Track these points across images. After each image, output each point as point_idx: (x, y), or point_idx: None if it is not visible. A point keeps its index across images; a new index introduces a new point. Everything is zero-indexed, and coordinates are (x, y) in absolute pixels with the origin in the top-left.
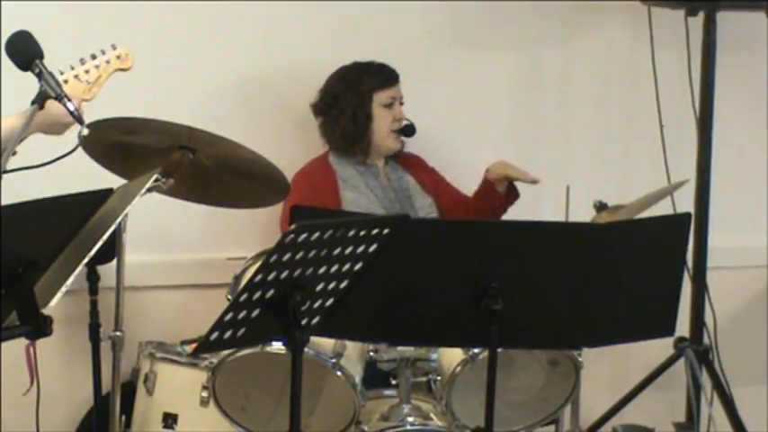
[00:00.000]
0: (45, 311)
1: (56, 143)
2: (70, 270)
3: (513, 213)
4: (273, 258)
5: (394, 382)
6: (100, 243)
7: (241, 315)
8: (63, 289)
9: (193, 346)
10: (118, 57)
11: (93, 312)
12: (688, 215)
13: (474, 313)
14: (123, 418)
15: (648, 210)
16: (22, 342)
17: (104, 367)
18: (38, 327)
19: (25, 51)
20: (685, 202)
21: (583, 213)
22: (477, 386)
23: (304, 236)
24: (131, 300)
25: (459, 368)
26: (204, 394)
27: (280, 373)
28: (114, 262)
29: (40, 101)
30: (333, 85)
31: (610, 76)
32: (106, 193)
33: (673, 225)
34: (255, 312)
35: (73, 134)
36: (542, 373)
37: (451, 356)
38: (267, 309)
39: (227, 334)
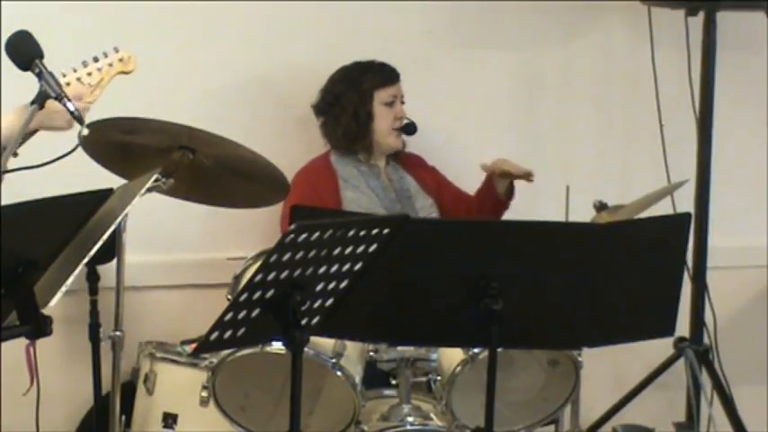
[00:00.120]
0: (45, 311)
1: (56, 143)
2: (70, 270)
3: (514, 213)
4: (273, 258)
5: (394, 382)
6: (100, 243)
7: (241, 315)
8: (63, 289)
9: (193, 346)
10: (120, 60)
11: (93, 312)
12: (688, 215)
13: (474, 313)
14: (123, 418)
15: (648, 210)
16: (22, 342)
17: (104, 367)
18: (38, 327)
19: (25, 51)
20: (685, 202)
21: (583, 213)
22: (477, 386)
23: (304, 236)
24: (131, 300)
25: (459, 368)
26: (204, 394)
27: (280, 373)
28: (114, 262)
29: (40, 101)
30: (334, 84)
31: (610, 76)
32: (106, 193)
33: (673, 225)
34: (255, 312)
35: (73, 134)
36: (542, 373)
37: (451, 356)
38: (267, 309)
39: (227, 334)
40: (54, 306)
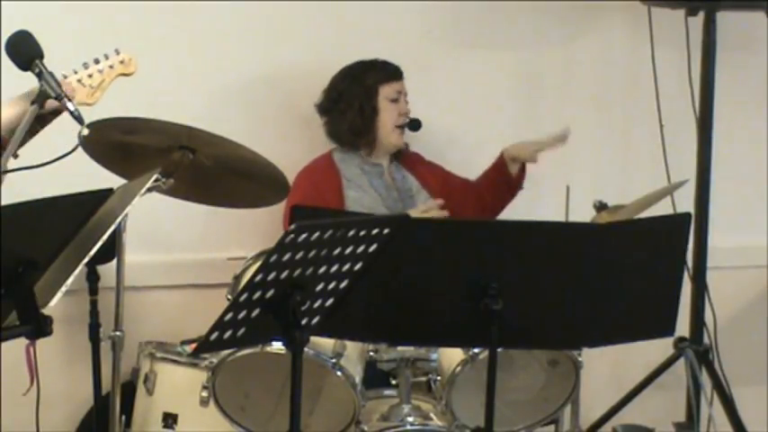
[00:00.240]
0: (45, 311)
1: (56, 143)
2: (70, 270)
3: (514, 213)
4: (273, 258)
5: (394, 382)
6: (100, 243)
7: (241, 315)
8: (63, 289)
9: (193, 346)
10: (121, 62)
11: (93, 312)
12: (688, 215)
13: (474, 313)
14: (123, 418)
15: (648, 210)
16: (22, 342)
17: (104, 367)
18: (38, 327)
19: (25, 51)
20: (685, 202)
21: (583, 213)
22: (478, 386)
23: (304, 236)
24: (131, 300)
25: (459, 368)
26: (204, 394)
27: (280, 373)
28: (114, 262)
29: (40, 101)
30: (337, 82)
31: (610, 76)
32: (106, 193)
33: (673, 225)
34: (255, 312)
35: (73, 134)
36: (542, 373)
37: (451, 356)
38: (267, 309)
39: (227, 334)
40: (54, 306)
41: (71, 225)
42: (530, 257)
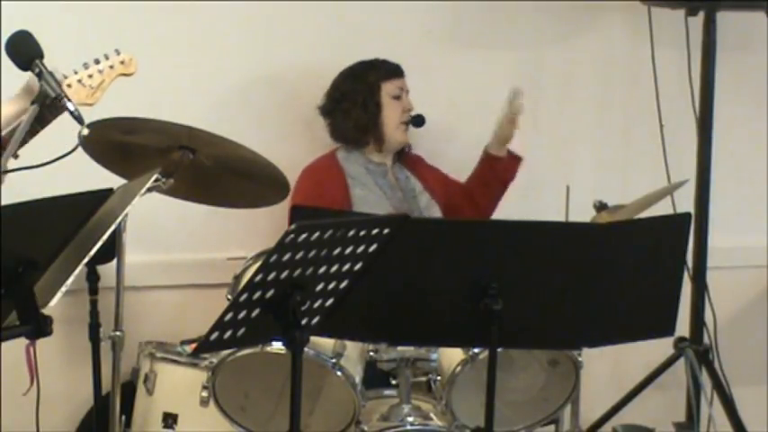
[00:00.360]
0: (45, 311)
1: (56, 143)
2: (70, 270)
3: (514, 213)
4: (273, 258)
5: (394, 382)
6: (100, 243)
7: (241, 315)
8: (63, 289)
9: (193, 346)
10: (121, 62)
11: (93, 312)
12: (688, 215)
13: (474, 313)
14: (123, 418)
15: (648, 210)
16: (22, 342)
17: (104, 367)
18: (38, 327)
19: (25, 51)
20: (685, 202)
21: (583, 213)
22: (478, 386)
23: (304, 236)
24: (131, 300)
25: (459, 368)
26: (204, 394)
27: (280, 373)
28: (114, 262)
29: (40, 100)
30: (339, 82)
31: (610, 76)
32: (106, 193)
33: (673, 225)
34: (255, 312)
35: (73, 134)
36: (542, 373)
37: (451, 356)
38: (267, 309)
39: (227, 334)
40: (54, 306)
41: (71, 225)
42: (530, 257)
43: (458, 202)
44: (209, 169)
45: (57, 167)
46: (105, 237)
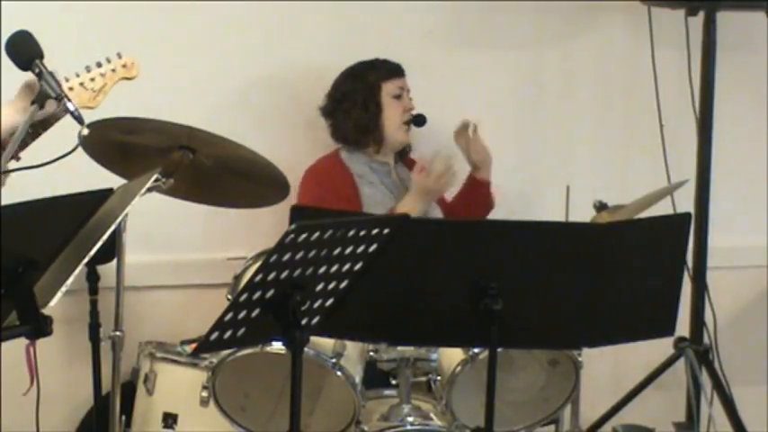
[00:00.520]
0: (45, 311)
1: (56, 143)
2: (70, 270)
3: (514, 213)
4: (273, 258)
5: (394, 382)
6: (100, 243)
7: (241, 315)
8: (63, 289)
9: (193, 346)
10: (123, 65)
11: (93, 312)
12: (688, 215)
13: (474, 313)
14: (123, 418)
15: (648, 210)
16: (22, 342)
17: (104, 367)
18: (38, 327)
19: (25, 51)
20: (685, 202)
21: (583, 213)
22: (478, 386)
23: (304, 236)
24: (131, 300)
25: (459, 368)
26: (204, 394)
27: (280, 373)
28: (114, 262)
29: (40, 101)
30: (340, 83)
31: (610, 76)
32: (106, 193)
33: (673, 225)
34: (255, 312)
35: (73, 134)
36: (542, 373)
37: (451, 356)
38: (267, 309)
39: (227, 334)
40: (54, 306)
41: (71, 225)
42: (530, 257)
43: (446, 215)
44: (209, 169)
45: (57, 167)
46: (105, 237)
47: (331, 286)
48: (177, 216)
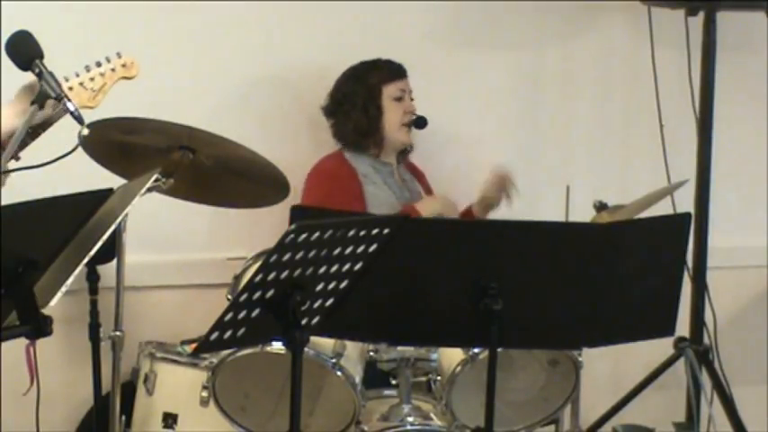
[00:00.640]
0: (45, 311)
1: (56, 143)
2: (70, 270)
3: (514, 213)
4: (273, 258)
5: (394, 382)
6: (100, 243)
7: (241, 315)
8: (63, 289)
9: (193, 346)
10: (123, 65)
11: (93, 312)
12: (688, 215)
13: (474, 313)
14: (123, 418)
15: (648, 210)
16: (22, 342)
17: (104, 367)
18: (38, 327)
19: (25, 51)
20: (685, 202)
21: (583, 213)
22: (478, 386)
23: (304, 236)
24: (131, 300)
25: (459, 368)
26: (204, 394)
27: (280, 373)
28: (114, 262)
29: (40, 101)
30: (342, 83)
31: (610, 76)
32: (106, 193)
33: (673, 225)
34: (255, 312)
35: (73, 134)
36: (542, 373)
37: (451, 356)
38: (267, 309)
39: (227, 334)
40: (54, 306)
41: (71, 225)
42: (530, 257)
43: None
44: (209, 169)
45: (57, 167)
46: (105, 237)
47: (331, 286)
48: (177, 216)
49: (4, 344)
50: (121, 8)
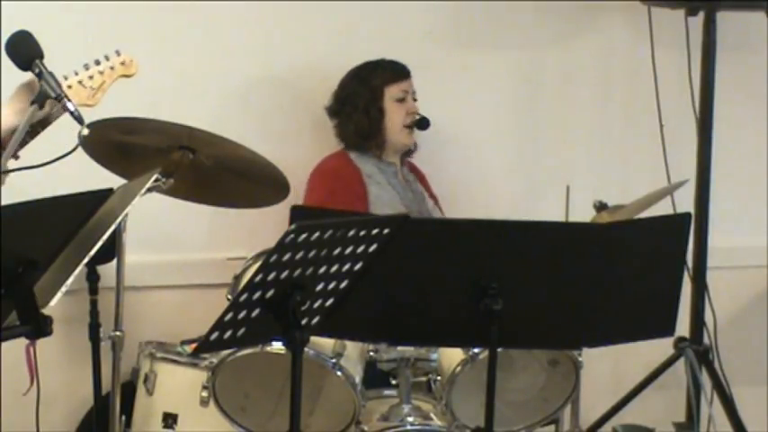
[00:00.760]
0: (45, 311)
1: (56, 143)
2: (70, 270)
3: (514, 213)
4: (273, 258)
5: (394, 382)
6: (100, 243)
7: (241, 315)
8: (63, 289)
9: (193, 346)
10: (122, 63)
11: (93, 312)
12: (688, 215)
13: (474, 313)
14: (123, 418)
15: (648, 210)
16: (22, 342)
17: (104, 367)
18: (38, 327)
19: (25, 51)
20: (685, 202)
21: (583, 213)
22: (478, 386)
23: (304, 236)
24: (131, 300)
25: (459, 368)
26: (204, 394)
27: (280, 373)
28: (114, 262)
29: (40, 101)
30: (345, 84)
31: (610, 76)
32: (106, 193)
33: (673, 225)
34: (255, 312)
35: (73, 134)
36: (542, 373)
37: (451, 356)
38: (267, 309)
39: (227, 334)
40: (54, 306)
41: (71, 225)
42: (530, 257)
43: None
44: (209, 169)
45: (57, 167)
46: (105, 237)
47: (331, 286)
48: (177, 216)
49: (4, 344)
50: (121, 8)
